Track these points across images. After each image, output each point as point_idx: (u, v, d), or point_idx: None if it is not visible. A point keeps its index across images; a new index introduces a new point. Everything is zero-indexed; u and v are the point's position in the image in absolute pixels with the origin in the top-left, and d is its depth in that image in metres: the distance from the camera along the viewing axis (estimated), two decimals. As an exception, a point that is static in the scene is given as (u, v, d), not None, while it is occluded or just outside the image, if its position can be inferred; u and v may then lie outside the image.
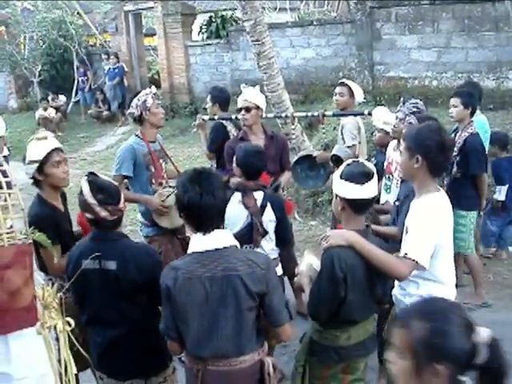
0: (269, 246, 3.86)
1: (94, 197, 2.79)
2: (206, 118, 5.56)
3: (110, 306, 2.81)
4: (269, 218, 3.76)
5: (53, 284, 2.17)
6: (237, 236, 3.60)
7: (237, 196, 3.69)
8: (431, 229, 2.84)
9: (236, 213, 3.65)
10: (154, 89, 4.51)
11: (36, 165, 3.33)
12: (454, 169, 4.99)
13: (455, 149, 4.93)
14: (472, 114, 5.07)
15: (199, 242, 2.49)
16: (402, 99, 4.28)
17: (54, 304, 2.11)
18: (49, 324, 2.04)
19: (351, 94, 5.18)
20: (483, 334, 1.65)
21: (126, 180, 4.42)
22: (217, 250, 2.45)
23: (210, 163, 5.63)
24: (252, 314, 2.49)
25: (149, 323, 2.80)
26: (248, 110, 4.73)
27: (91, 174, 2.95)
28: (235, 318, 2.45)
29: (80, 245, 2.99)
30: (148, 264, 2.81)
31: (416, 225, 2.85)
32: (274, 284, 2.51)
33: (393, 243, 3.29)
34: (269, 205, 3.73)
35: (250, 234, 3.68)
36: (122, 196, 2.92)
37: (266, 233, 3.75)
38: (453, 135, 5.12)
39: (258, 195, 3.73)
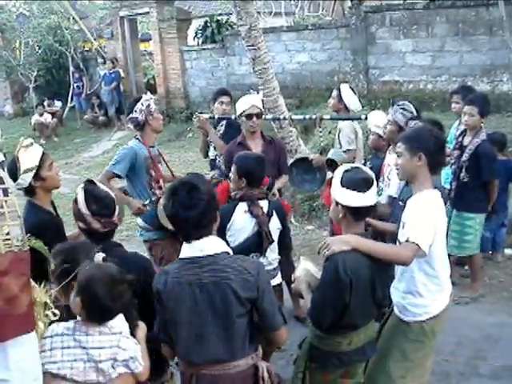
0: (273, 256, 3.88)
1: (88, 207, 2.77)
2: (206, 116, 5.58)
3: None
4: (276, 226, 3.81)
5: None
6: (244, 245, 3.64)
7: (242, 206, 3.71)
8: (430, 219, 2.94)
9: (243, 223, 3.68)
10: (150, 95, 4.56)
11: (32, 173, 3.31)
12: (462, 173, 5.01)
13: (466, 154, 4.97)
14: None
15: (189, 249, 2.49)
16: (391, 101, 4.34)
17: (49, 302, 2.13)
18: (45, 321, 2.08)
19: (340, 98, 5.25)
20: (98, 258, 2.47)
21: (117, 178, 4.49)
22: (206, 256, 2.45)
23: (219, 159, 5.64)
24: (243, 320, 2.48)
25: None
26: (258, 116, 4.76)
27: (89, 182, 2.92)
28: (226, 324, 2.45)
29: None
30: (141, 274, 2.77)
31: (416, 215, 2.94)
32: (265, 289, 2.50)
33: (389, 241, 3.36)
34: (274, 213, 3.78)
35: (257, 243, 3.72)
36: (117, 208, 2.89)
37: (272, 241, 3.79)
38: (460, 138, 5.16)
39: (263, 204, 3.76)
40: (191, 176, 2.62)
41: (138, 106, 4.38)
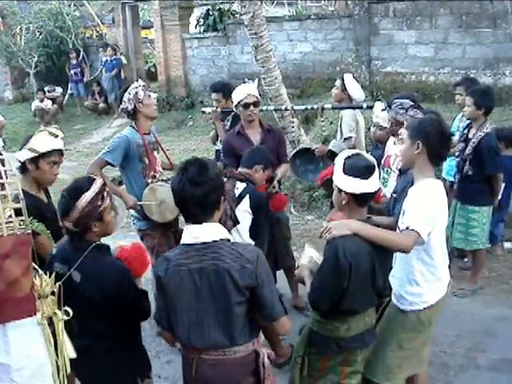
0: (240, 239, 3.86)
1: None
2: (208, 110, 5.55)
3: (76, 315, 2.48)
4: (244, 209, 3.87)
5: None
6: None
7: None
8: (430, 207, 2.95)
9: None
10: (141, 82, 4.53)
11: (30, 154, 3.32)
12: (466, 166, 5.01)
13: (469, 147, 4.97)
14: (487, 113, 4.97)
15: (189, 234, 2.49)
16: (386, 104, 4.18)
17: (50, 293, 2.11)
18: (46, 314, 2.05)
19: (344, 87, 5.23)
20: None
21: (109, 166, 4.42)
22: (206, 243, 2.45)
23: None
24: (242, 308, 2.47)
25: (117, 337, 2.74)
26: (255, 104, 4.72)
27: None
28: (225, 311, 2.45)
29: (58, 244, 2.89)
30: (111, 285, 2.64)
31: (416, 203, 2.95)
32: (264, 278, 2.48)
33: None
34: (247, 196, 3.86)
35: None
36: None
37: (237, 222, 3.81)
38: (465, 131, 5.15)
39: (241, 186, 3.89)
40: (203, 158, 2.61)
41: (126, 95, 4.35)
